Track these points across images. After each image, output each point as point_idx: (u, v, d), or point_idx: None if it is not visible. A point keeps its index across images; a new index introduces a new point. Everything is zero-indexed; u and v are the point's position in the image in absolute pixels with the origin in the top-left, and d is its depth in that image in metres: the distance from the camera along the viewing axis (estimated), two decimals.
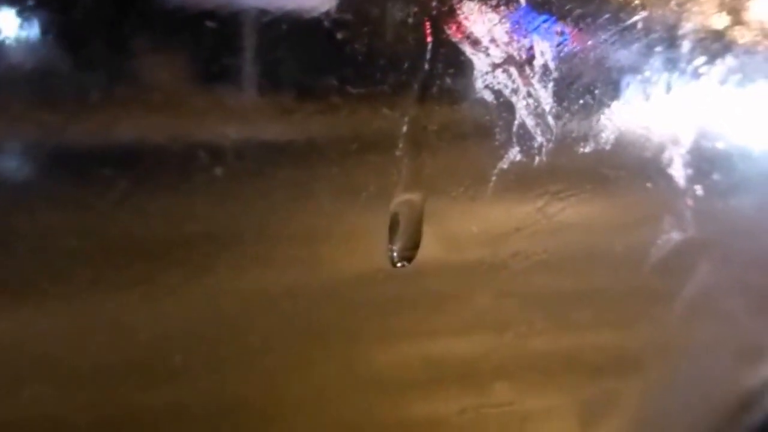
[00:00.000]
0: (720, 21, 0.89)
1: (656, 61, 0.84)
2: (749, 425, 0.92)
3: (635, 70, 0.84)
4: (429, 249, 0.84)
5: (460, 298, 0.92)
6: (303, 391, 0.87)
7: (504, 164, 0.77)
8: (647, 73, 0.84)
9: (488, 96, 0.73)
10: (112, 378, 0.77)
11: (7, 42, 0.75)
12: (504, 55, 0.72)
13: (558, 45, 0.75)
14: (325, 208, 0.84)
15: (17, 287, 0.77)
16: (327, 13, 0.71)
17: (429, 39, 0.70)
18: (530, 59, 0.74)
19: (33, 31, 0.76)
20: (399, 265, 0.76)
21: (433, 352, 0.94)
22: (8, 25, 0.78)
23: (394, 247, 0.75)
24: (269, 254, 0.91)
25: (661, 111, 0.86)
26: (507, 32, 0.72)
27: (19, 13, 0.72)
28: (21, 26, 0.75)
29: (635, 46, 0.82)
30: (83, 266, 0.76)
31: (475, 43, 0.72)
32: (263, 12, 0.71)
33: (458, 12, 0.71)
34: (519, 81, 0.74)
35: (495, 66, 0.72)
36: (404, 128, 0.73)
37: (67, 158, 0.80)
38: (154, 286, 0.82)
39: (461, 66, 0.72)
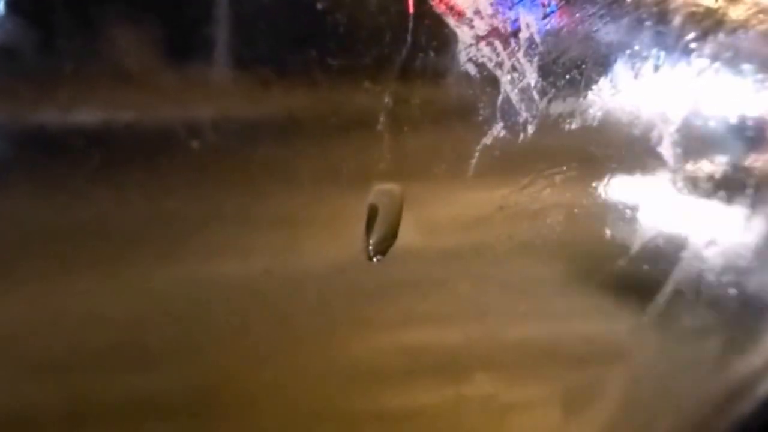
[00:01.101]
0: None
1: (646, 36, 0.83)
2: (738, 414, 0.92)
3: (624, 44, 0.83)
4: (408, 232, 0.83)
5: (440, 284, 0.90)
6: (278, 380, 0.85)
7: (488, 141, 0.76)
8: (636, 48, 0.83)
9: (472, 70, 0.72)
10: (84, 364, 0.76)
11: None
12: (488, 28, 0.71)
13: (544, 18, 0.74)
14: (301, 190, 0.83)
15: None
16: None
17: (411, 10, 0.69)
18: (515, 32, 0.72)
19: None
20: (375, 258, 0.75)
21: (412, 340, 0.93)
22: None
23: (371, 240, 0.74)
24: (243, 237, 0.89)
25: (650, 88, 0.86)
26: (492, 4, 0.70)
27: None
28: None
29: (624, 20, 0.81)
30: (53, 247, 0.74)
31: (459, 14, 0.70)
32: None
33: None
34: (504, 55, 0.72)
35: (479, 39, 0.70)
36: (384, 103, 0.72)
37: (37, 135, 0.78)
38: (126, 269, 0.80)
39: (444, 39, 0.71)
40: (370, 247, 0.73)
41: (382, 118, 0.71)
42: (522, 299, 0.94)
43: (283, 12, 0.72)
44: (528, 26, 0.72)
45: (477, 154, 0.76)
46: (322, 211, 0.89)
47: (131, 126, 0.78)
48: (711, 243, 0.95)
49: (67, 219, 0.77)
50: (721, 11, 0.88)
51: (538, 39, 0.73)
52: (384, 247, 0.74)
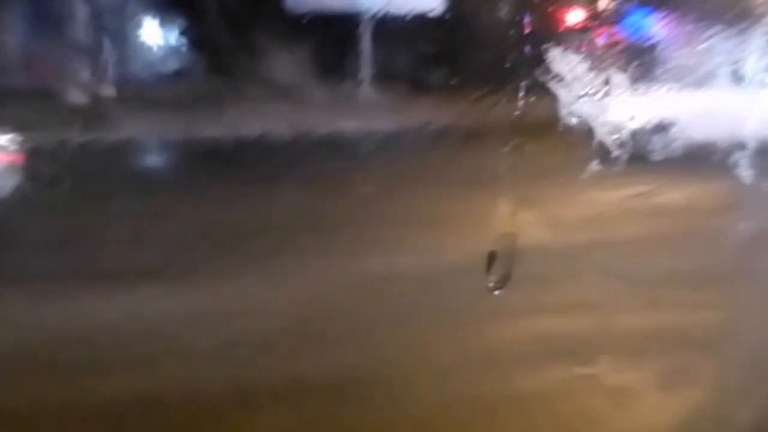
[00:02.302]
0: None
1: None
2: None
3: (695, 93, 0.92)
4: (535, 233, 0.96)
5: (564, 279, 1.02)
6: (420, 368, 0.98)
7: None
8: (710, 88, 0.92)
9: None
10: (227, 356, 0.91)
11: (152, 46, 0.92)
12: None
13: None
14: (439, 194, 0.96)
15: (133, 273, 0.92)
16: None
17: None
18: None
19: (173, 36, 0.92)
20: (495, 292, 0.90)
21: (542, 329, 1.05)
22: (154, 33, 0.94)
23: (491, 278, 0.89)
24: (382, 239, 1.04)
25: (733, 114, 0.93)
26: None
27: (161, 23, 0.88)
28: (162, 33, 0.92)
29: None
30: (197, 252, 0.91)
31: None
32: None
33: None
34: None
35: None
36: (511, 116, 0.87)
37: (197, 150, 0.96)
38: (270, 267, 0.96)
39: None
40: (491, 284, 0.88)
41: (509, 129, 0.83)
42: (639, 290, 1.04)
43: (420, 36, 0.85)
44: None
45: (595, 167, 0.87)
46: (457, 211, 1.02)
47: (291, 137, 0.94)
48: None
49: (215, 225, 0.94)
50: None
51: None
52: (502, 283, 0.88)
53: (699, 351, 1.04)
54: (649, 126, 0.94)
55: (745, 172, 0.98)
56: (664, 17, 0.89)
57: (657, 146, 0.95)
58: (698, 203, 1.16)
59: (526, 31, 0.81)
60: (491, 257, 0.91)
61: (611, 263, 1.07)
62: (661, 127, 1.02)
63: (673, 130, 1.02)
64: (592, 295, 1.11)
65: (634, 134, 0.89)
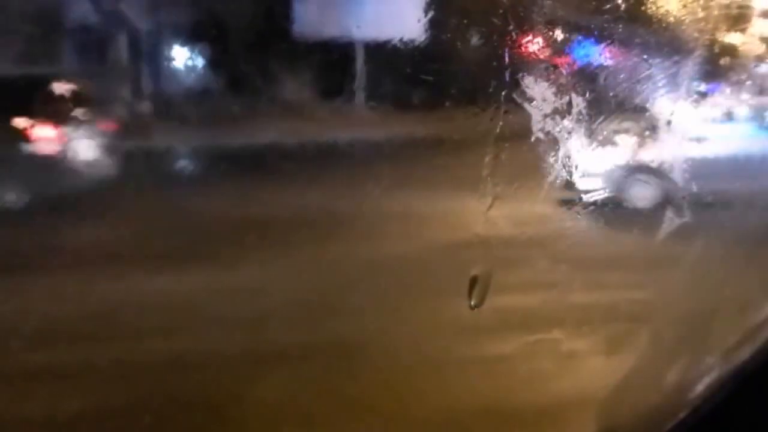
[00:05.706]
0: None
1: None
2: (744, 359, 0.95)
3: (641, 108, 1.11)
4: (501, 227, 1.12)
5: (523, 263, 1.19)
6: (401, 337, 1.15)
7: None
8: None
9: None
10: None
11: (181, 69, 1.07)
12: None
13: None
14: (424, 192, 1.13)
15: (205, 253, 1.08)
16: None
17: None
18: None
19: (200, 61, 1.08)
20: (475, 308, 1.05)
21: (504, 303, 1.22)
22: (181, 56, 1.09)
23: (472, 297, 1.09)
24: (377, 230, 1.20)
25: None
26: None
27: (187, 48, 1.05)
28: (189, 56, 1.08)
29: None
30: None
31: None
32: None
33: None
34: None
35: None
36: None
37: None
38: (285, 254, 1.12)
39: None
40: (472, 303, 1.04)
41: (491, 140, 1.02)
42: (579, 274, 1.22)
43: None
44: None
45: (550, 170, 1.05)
46: (440, 207, 1.18)
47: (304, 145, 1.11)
48: (719, 233, 1.20)
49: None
50: None
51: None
52: (481, 301, 1.04)
53: (633, 323, 1.22)
54: None
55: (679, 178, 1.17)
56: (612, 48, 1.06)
57: None
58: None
59: (506, 62, 0.97)
60: (472, 281, 1.06)
61: (562, 251, 1.22)
62: None
63: None
64: (545, 277, 1.27)
65: None
